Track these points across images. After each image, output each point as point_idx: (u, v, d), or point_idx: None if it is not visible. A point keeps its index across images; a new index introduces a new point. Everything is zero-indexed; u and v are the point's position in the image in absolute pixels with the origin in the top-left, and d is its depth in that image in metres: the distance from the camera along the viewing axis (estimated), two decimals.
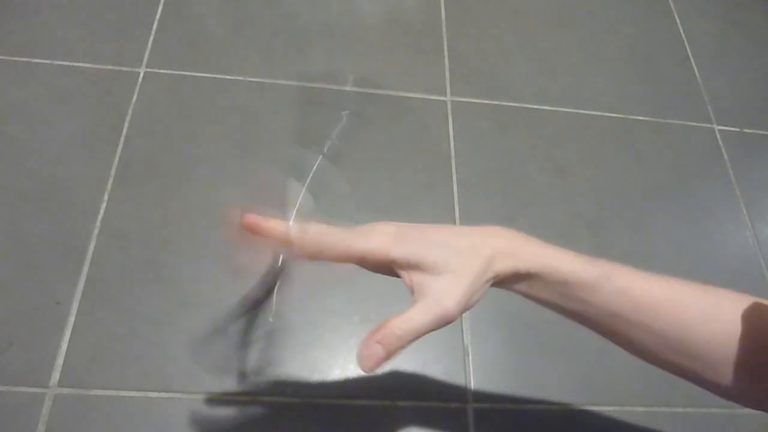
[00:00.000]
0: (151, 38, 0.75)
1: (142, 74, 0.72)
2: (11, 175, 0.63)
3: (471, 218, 0.68)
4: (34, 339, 0.55)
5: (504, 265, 0.34)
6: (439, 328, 0.33)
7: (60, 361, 0.54)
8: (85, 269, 0.59)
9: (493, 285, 0.35)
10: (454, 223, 0.68)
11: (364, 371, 0.32)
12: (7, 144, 0.65)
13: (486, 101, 0.79)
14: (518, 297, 0.64)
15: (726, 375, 0.33)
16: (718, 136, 0.83)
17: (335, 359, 0.58)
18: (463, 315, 0.62)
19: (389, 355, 0.32)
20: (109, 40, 0.74)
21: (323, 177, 0.36)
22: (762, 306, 0.34)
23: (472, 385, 0.59)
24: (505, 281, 0.35)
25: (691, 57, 0.91)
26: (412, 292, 0.34)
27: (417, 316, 0.32)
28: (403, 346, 0.32)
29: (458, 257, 0.33)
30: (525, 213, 0.70)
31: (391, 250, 0.33)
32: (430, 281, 0.33)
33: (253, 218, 0.35)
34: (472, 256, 0.33)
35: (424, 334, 0.32)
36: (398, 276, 0.34)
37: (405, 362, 0.59)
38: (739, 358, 0.33)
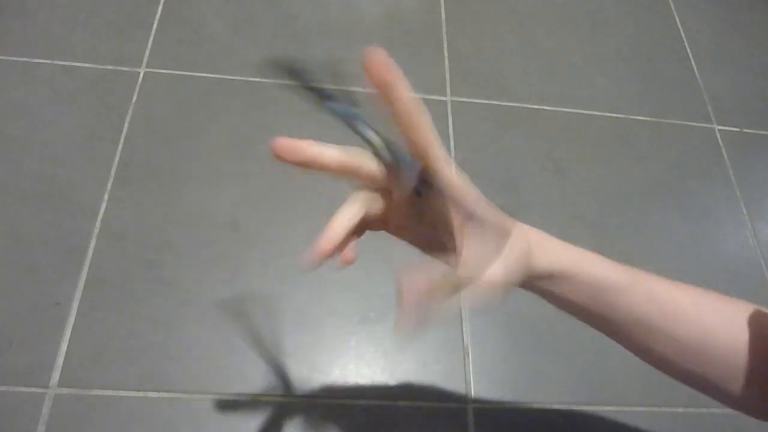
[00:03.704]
0: (151, 38, 0.75)
1: (142, 74, 0.72)
2: (11, 175, 0.63)
3: None
4: (34, 339, 0.55)
5: (541, 262, 0.32)
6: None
7: (60, 361, 0.54)
8: (85, 269, 0.59)
9: (522, 285, 0.33)
10: None
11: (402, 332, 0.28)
12: (7, 144, 0.65)
13: (486, 101, 0.79)
14: (518, 297, 0.64)
15: (741, 384, 0.33)
16: (718, 136, 0.83)
17: (335, 359, 0.58)
18: (463, 315, 0.62)
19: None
20: (109, 40, 0.74)
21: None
22: (763, 314, 0.33)
23: (472, 385, 0.59)
24: (539, 278, 0.33)
25: (691, 57, 0.91)
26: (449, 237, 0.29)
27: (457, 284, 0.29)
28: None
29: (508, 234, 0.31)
30: (525, 213, 0.70)
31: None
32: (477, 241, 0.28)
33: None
34: (519, 239, 0.31)
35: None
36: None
37: (405, 362, 0.59)
38: (749, 366, 0.33)
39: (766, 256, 0.73)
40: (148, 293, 0.58)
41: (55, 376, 0.53)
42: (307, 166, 0.29)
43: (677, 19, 0.95)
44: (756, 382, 0.33)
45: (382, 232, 0.35)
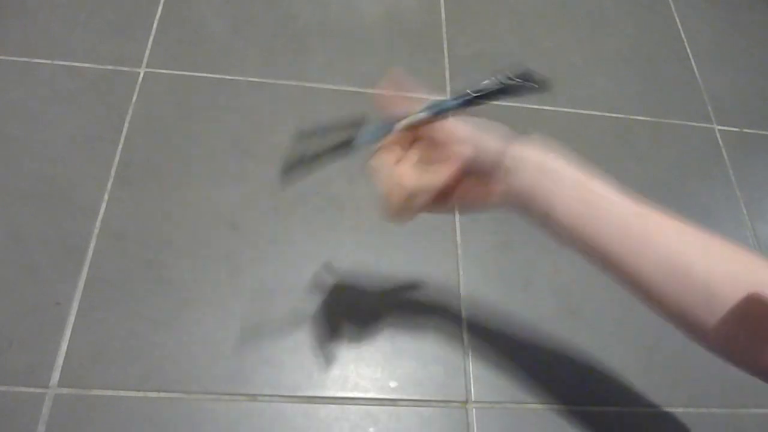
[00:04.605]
0: (151, 38, 0.75)
1: (142, 74, 0.72)
2: (11, 175, 0.63)
3: (470, 217, 0.68)
4: (34, 339, 0.55)
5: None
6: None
7: (60, 361, 0.54)
8: (85, 269, 0.59)
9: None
10: (454, 221, 0.68)
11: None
12: (7, 144, 0.65)
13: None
14: (517, 298, 0.63)
15: (724, 326, 0.33)
16: (718, 136, 0.83)
17: (335, 359, 0.58)
18: (463, 315, 0.62)
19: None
20: (109, 40, 0.74)
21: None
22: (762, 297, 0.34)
23: (472, 385, 0.59)
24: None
25: (691, 57, 0.91)
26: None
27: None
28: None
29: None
30: None
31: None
32: None
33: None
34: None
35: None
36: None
37: (405, 362, 0.59)
38: (738, 318, 0.33)
39: (766, 256, 0.73)
40: (148, 293, 0.58)
41: (55, 376, 0.53)
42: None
43: (677, 19, 0.95)
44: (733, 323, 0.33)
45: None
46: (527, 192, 0.38)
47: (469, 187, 0.41)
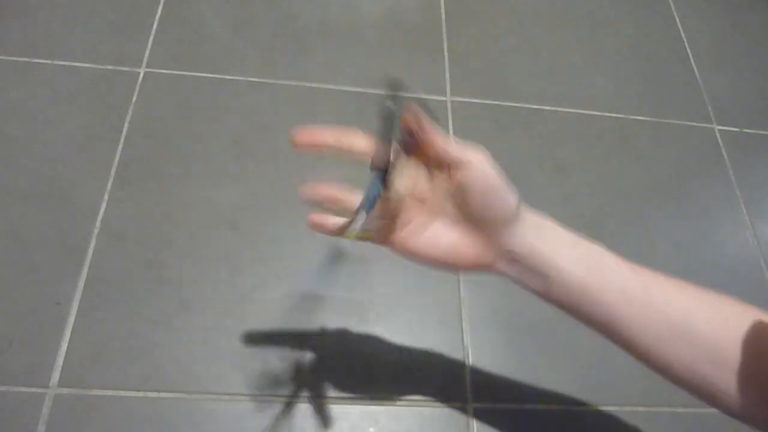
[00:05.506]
0: (151, 38, 0.75)
1: (142, 74, 0.72)
2: (11, 175, 0.63)
3: None
4: (34, 339, 0.55)
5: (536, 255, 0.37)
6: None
7: (60, 361, 0.54)
8: (85, 269, 0.59)
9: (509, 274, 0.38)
10: None
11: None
12: (7, 144, 0.65)
13: (486, 101, 0.79)
14: (517, 297, 0.64)
15: (733, 383, 0.33)
16: (718, 136, 0.83)
17: (335, 359, 0.58)
18: (463, 315, 0.62)
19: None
20: (109, 40, 0.74)
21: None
22: (764, 326, 0.33)
23: (472, 385, 0.59)
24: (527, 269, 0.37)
25: (691, 57, 0.91)
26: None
27: None
28: None
29: None
30: None
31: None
32: None
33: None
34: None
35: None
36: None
37: (405, 362, 0.59)
38: (743, 371, 0.32)
39: (766, 256, 0.73)
40: (148, 293, 0.58)
41: (55, 376, 0.53)
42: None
43: (677, 19, 0.95)
44: (755, 390, 0.33)
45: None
46: (528, 253, 0.37)
47: (463, 243, 0.38)
